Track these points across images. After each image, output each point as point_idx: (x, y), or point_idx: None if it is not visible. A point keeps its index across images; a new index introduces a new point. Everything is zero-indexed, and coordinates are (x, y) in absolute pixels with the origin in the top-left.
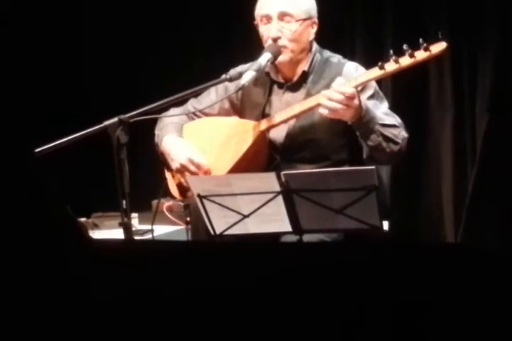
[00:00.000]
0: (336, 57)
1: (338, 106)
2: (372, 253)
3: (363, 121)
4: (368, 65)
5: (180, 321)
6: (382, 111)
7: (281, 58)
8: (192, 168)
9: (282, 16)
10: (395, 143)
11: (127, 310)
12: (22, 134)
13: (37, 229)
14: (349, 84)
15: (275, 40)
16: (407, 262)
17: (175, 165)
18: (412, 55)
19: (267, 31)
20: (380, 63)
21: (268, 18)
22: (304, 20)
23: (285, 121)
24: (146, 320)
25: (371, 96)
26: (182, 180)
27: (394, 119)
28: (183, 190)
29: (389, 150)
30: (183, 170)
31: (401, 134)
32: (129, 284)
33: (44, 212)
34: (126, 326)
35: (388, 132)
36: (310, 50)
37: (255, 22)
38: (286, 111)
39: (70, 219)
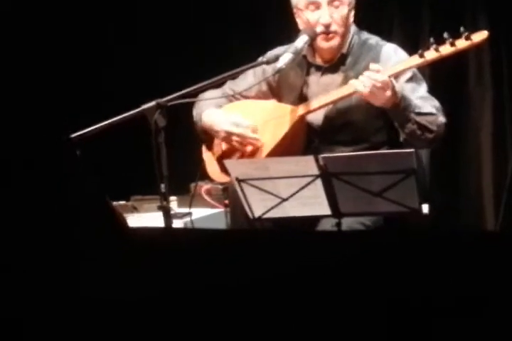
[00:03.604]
0: (373, 39)
1: (374, 91)
2: (412, 244)
3: (399, 109)
4: (405, 45)
5: (222, 311)
6: (419, 95)
7: (331, 44)
8: (239, 130)
9: (332, 2)
10: (430, 131)
11: (168, 301)
12: (56, 120)
13: (74, 220)
14: (386, 71)
15: (327, 26)
16: (449, 253)
17: (220, 134)
18: (452, 44)
19: (316, 18)
20: (419, 51)
21: (317, 5)
22: (350, 3)
23: (323, 107)
24: (188, 309)
25: (409, 79)
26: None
27: (431, 105)
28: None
29: (424, 138)
30: (229, 137)
31: (438, 121)
32: (169, 274)
33: (82, 202)
34: (167, 316)
35: (423, 120)
36: (349, 32)
37: (295, 7)
38: (324, 96)
39: (109, 208)
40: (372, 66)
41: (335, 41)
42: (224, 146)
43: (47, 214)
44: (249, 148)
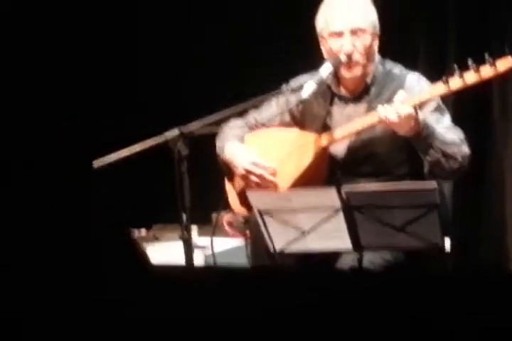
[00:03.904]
0: (397, 68)
1: (399, 120)
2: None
3: (422, 137)
4: (430, 73)
5: None
6: (444, 126)
7: (353, 73)
8: (258, 171)
9: (355, 31)
10: (455, 160)
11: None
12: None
13: (95, 253)
14: (411, 100)
15: (349, 55)
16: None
17: (239, 171)
18: (477, 70)
19: (339, 47)
20: (443, 78)
21: (340, 34)
22: (373, 32)
23: (347, 137)
24: None
25: (434, 110)
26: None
27: (456, 135)
28: (246, 199)
29: (448, 167)
30: (247, 175)
31: (462, 151)
32: (188, 311)
33: (102, 236)
34: None
35: (448, 148)
36: (373, 61)
37: (319, 35)
38: (348, 126)
39: (131, 244)
40: (398, 94)
41: (357, 71)
42: (244, 183)
43: (67, 244)
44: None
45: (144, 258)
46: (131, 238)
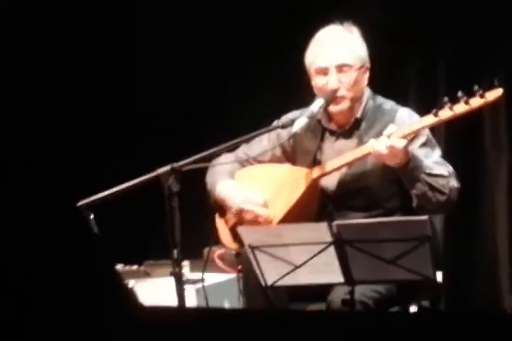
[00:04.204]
0: (388, 104)
1: (390, 152)
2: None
3: (408, 168)
4: (421, 110)
5: None
6: (433, 160)
7: (340, 108)
8: (251, 208)
9: (340, 68)
10: (442, 193)
11: None
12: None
13: (82, 293)
14: (401, 131)
15: (335, 91)
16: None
17: (232, 209)
18: (467, 102)
19: (324, 82)
20: (434, 110)
21: (325, 71)
22: (360, 68)
23: (337, 169)
24: None
25: (423, 145)
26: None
27: (444, 168)
28: (238, 235)
29: (435, 200)
30: (241, 213)
31: (450, 184)
32: None
33: (90, 275)
34: None
35: (435, 181)
36: (363, 96)
37: (308, 72)
38: (339, 159)
39: (119, 283)
40: (389, 128)
41: (344, 105)
42: (236, 219)
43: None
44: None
45: (132, 298)
46: (119, 277)
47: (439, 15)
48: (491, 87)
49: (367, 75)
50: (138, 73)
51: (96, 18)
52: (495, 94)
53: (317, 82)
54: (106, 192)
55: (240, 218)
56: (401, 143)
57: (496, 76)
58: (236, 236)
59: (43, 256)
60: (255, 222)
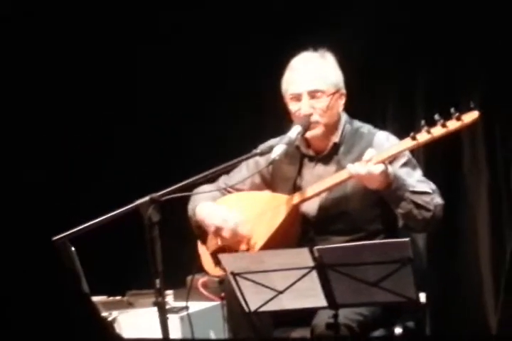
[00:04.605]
0: (365, 127)
1: (369, 176)
2: None
3: (392, 189)
4: (399, 133)
5: None
6: (415, 179)
7: (313, 133)
8: (228, 226)
9: (313, 93)
10: (427, 209)
11: None
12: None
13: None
14: (380, 156)
15: (308, 117)
16: None
17: (210, 229)
18: (444, 125)
19: (298, 108)
20: (412, 133)
21: (298, 97)
22: (334, 93)
23: (317, 195)
24: None
25: (404, 164)
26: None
27: (427, 186)
28: (220, 261)
29: (421, 218)
30: (219, 232)
31: (434, 201)
32: None
33: (65, 310)
34: None
35: (419, 199)
36: (340, 121)
37: (284, 99)
38: (319, 184)
39: (96, 317)
40: (367, 152)
41: (318, 131)
42: (219, 241)
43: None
44: (242, 245)
45: (110, 330)
46: (95, 310)
47: (416, 39)
48: (467, 109)
49: (342, 101)
50: (116, 108)
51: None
52: (471, 116)
53: (291, 108)
54: (85, 225)
55: (219, 237)
56: (379, 169)
57: (471, 98)
58: (218, 263)
59: (14, 289)
60: (234, 240)
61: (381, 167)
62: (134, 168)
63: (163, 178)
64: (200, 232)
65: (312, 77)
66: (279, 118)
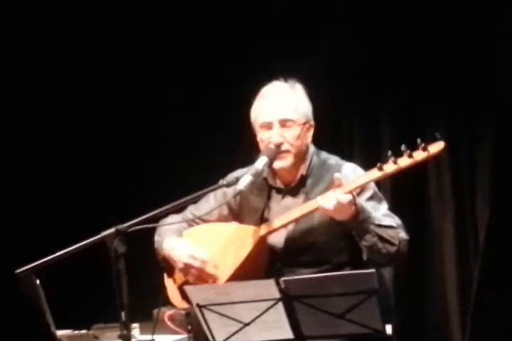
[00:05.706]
0: (333, 159)
1: (337, 207)
2: None
3: (357, 221)
4: (366, 163)
5: None
6: (381, 213)
7: (282, 164)
8: (196, 264)
9: (284, 122)
10: (392, 244)
11: None
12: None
13: None
14: (347, 187)
15: (278, 145)
16: None
17: (178, 265)
18: (410, 156)
19: (268, 137)
20: (378, 164)
21: (269, 125)
22: (304, 123)
23: (285, 226)
24: None
25: (370, 198)
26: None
27: (392, 220)
28: (186, 293)
29: (386, 252)
30: (187, 269)
31: (399, 235)
32: None
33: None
34: None
35: (384, 233)
36: (308, 152)
37: (253, 128)
38: (286, 215)
39: None
40: (335, 176)
41: (287, 160)
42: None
43: None
44: (209, 281)
45: None
46: None
47: (381, 73)
48: (433, 140)
49: (311, 132)
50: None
51: None
52: (437, 147)
53: (261, 136)
54: (50, 257)
55: (186, 274)
56: (347, 198)
57: (437, 129)
58: (185, 295)
59: None
60: (201, 277)
61: (349, 197)
62: (100, 199)
63: (129, 209)
64: (167, 265)
65: (283, 106)
66: (248, 148)
